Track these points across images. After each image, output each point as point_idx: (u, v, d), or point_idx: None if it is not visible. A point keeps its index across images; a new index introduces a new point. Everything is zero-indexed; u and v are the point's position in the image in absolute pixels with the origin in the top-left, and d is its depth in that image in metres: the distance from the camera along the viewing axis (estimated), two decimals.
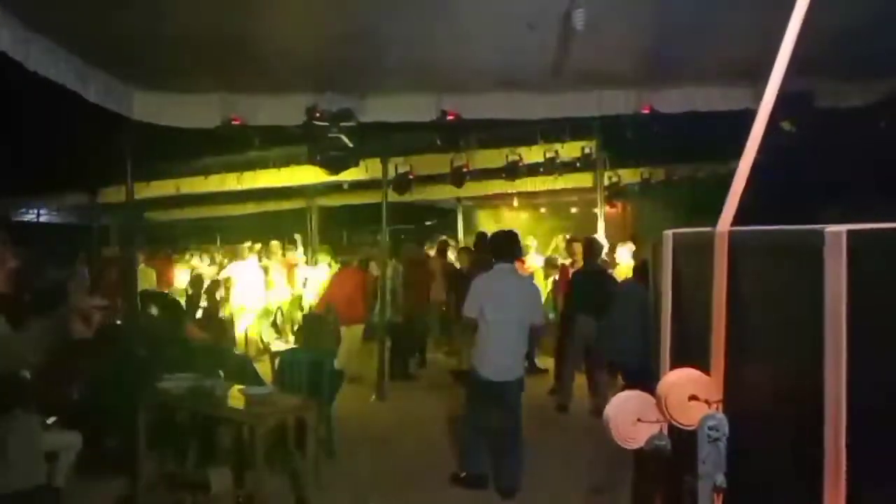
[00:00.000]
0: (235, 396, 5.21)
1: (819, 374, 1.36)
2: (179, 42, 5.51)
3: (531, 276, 8.35)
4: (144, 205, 12.88)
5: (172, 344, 6.11)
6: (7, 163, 9.98)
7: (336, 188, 13.51)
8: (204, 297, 10.37)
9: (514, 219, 17.82)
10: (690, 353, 1.84)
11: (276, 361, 6.39)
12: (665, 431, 1.84)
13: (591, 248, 8.19)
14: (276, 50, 5.80)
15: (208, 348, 6.92)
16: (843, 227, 1.33)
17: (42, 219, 15.64)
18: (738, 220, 1.72)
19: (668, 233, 1.94)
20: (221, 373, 5.99)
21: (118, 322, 7.02)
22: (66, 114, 6.76)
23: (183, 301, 9.91)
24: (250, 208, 15.25)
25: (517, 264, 5.98)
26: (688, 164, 12.54)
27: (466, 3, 4.92)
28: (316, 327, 6.53)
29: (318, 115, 6.78)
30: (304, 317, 8.89)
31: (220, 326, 10.32)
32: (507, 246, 5.60)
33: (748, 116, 1.70)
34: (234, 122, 6.87)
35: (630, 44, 5.86)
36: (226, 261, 12.66)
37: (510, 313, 5.36)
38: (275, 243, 11.98)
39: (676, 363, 1.88)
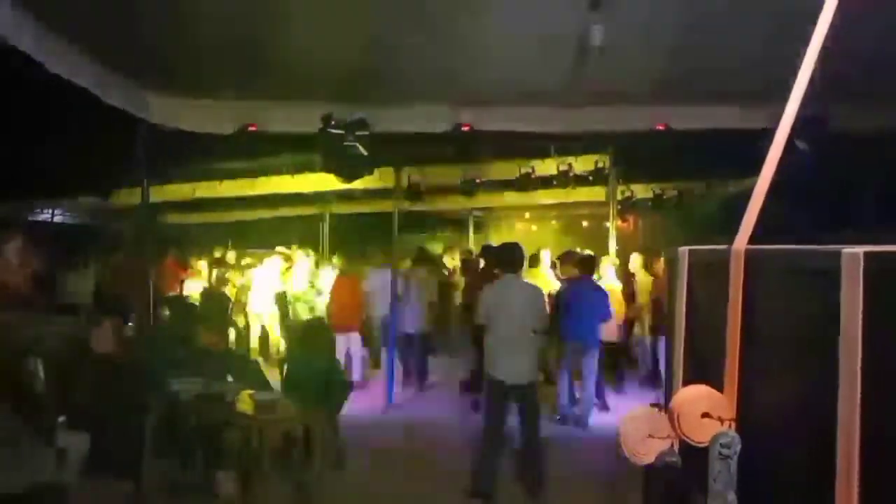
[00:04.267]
0: (244, 401, 5.23)
1: (833, 394, 1.36)
2: (198, 48, 5.57)
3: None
4: (158, 208, 12.96)
5: (184, 347, 6.13)
6: (23, 164, 10.07)
7: (349, 196, 13.56)
8: (216, 299, 10.42)
9: (525, 231, 17.84)
10: (704, 370, 1.84)
11: (285, 368, 6.41)
12: (676, 448, 1.85)
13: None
14: (294, 58, 5.85)
15: (219, 352, 6.94)
16: (861, 249, 1.34)
17: (56, 219, 15.75)
18: (754, 238, 1.73)
19: (684, 249, 1.95)
20: (231, 377, 6.01)
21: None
22: (85, 116, 6.83)
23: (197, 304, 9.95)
24: (263, 213, 15.32)
25: None
26: (701, 181, 12.54)
27: (484, 15, 4.96)
28: (317, 334, 6.52)
29: (333, 123, 6.83)
30: (306, 323, 8.93)
31: (232, 330, 10.38)
32: (512, 258, 5.96)
33: (762, 136, 1.71)
34: (250, 129, 6.93)
35: (647, 61, 5.88)
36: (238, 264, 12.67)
37: (517, 320, 5.65)
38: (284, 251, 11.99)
39: (690, 380, 1.88)
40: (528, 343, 5.68)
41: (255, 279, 11.07)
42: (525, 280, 6.36)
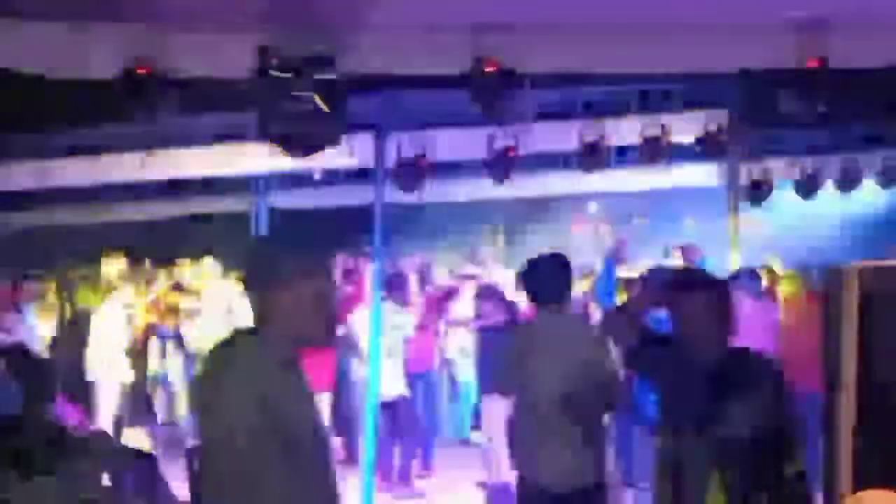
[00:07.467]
0: None
1: None
2: None
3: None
4: None
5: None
6: None
7: (301, 180, 13.62)
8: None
9: (585, 236, 17.86)
10: (888, 455, 1.89)
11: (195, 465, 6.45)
12: None
13: None
14: None
15: (81, 440, 6.98)
16: None
17: None
18: None
19: (854, 267, 2.00)
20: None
21: None
22: None
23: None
24: (158, 210, 15.37)
25: None
26: (881, 153, 12.59)
27: None
28: None
29: (276, 61, 6.88)
30: None
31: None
32: (555, 281, 5.81)
33: None
34: (139, 71, 6.98)
35: None
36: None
37: (565, 386, 5.51)
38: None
39: (863, 472, 1.94)
40: (584, 424, 5.61)
41: (105, 316, 11.19)
42: (577, 319, 6.23)
